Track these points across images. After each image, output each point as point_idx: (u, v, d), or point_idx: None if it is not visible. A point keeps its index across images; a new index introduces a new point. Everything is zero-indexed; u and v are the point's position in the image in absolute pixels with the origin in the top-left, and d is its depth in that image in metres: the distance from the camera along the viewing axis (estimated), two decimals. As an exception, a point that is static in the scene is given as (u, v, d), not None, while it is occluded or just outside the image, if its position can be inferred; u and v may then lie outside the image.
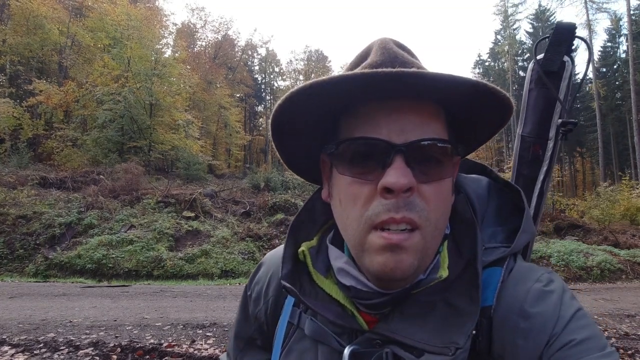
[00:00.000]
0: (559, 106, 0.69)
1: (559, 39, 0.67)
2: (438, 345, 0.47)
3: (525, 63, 37.02)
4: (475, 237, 0.54)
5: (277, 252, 0.72)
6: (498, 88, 0.47)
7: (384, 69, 0.44)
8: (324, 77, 0.45)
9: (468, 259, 0.53)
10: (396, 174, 0.45)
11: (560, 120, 0.68)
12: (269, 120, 0.53)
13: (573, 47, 0.69)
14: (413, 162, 0.47)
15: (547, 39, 0.69)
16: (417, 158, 0.47)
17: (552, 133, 0.70)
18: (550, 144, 0.70)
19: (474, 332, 0.49)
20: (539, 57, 0.70)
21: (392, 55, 0.51)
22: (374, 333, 0.52)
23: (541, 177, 0.71)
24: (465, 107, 0.51)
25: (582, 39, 0.72)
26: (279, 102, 0.49)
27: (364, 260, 0.50)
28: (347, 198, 0.50)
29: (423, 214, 0.47)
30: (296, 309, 0.63)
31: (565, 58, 0.68)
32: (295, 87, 0.47)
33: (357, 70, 0.46)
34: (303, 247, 0.60)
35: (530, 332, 0.48)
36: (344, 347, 0.53)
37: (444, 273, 0.51)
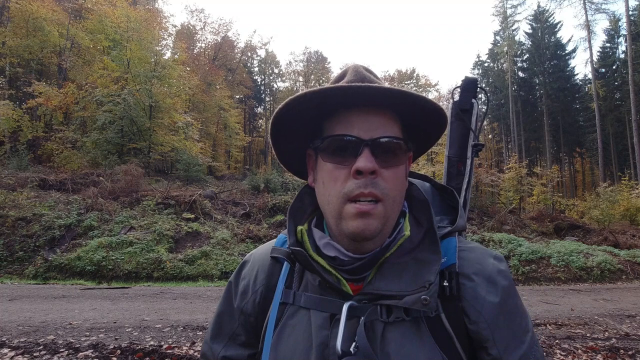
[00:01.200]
0: (472, 133, 0.95)
1: (467, 87, 0.92)
2: (415, 289, 0.62)
3: (524, 64, 37.05)
4: (430, 211, 0.71)
5: (260, 249, 0.82)
6: (434, 100, 0.64)
7: (357, 83, 0.62)
8: (314, 88, 0.62)
9: (427, 228, 0.69)
10: (364, 160, 0.62)
11: (473, 142, 0.92)
12: (270, 122, 0.68)
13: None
14: (376, 153, 0.63)
15: (459, 87, 0.95)
16: (379, 150, 0.64)
17: (469, 153, 0.93)
18: (469, 162, 0.93)
19: (445, 283, 0.65)
20: (456, 99, 0.95)
21: (362, 76, 0.70)
22: (361, 295, 0.65)
23: (464, 187, 0.92)
24: (413, 115, 0.68)
25: (482, 89, 1.00)
26: (279, 106, 0.64)
27: (342, 226, 0.65)
28: (329, 180, 0.66)
29: (384, 190, 0.63)
30: (289, 290, 0.71)
31: (473, 100, 0.92)
32: (293, 96, 0.63)
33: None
34: (300, 228, 0.72)
35: (496, 297, 0.66)
36: (343, 304, 0.64)
37: (407, 232, 0.68)
